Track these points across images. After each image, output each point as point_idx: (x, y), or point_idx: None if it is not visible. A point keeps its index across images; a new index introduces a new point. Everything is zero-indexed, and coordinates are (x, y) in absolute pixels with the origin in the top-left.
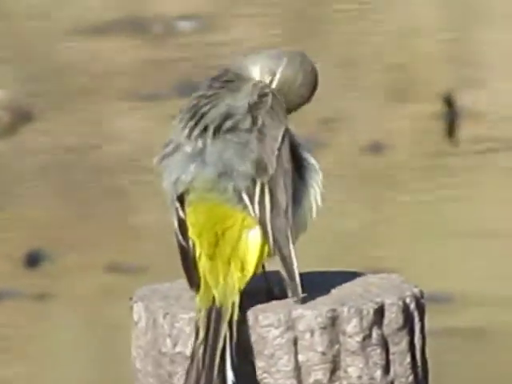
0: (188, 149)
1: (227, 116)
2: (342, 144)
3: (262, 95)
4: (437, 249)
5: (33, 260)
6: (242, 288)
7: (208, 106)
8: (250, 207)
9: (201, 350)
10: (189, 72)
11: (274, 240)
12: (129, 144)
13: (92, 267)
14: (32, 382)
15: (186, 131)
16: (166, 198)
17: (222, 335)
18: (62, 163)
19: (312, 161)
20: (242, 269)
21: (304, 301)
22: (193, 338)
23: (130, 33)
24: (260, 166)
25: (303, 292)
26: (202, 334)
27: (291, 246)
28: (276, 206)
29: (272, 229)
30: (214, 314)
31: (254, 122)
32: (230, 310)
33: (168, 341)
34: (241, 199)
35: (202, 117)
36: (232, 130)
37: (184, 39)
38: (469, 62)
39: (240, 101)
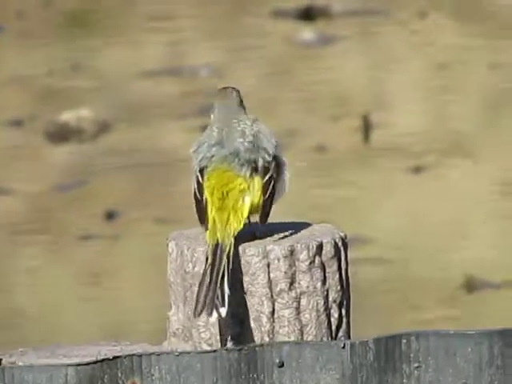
0: (212, 141)
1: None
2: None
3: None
4: (358, 208)
5: (110, 215)
6: (235, 234)
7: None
8: (247, 176)
9: (209, 271)
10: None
11: (264, 201)
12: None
13: (145, 220)
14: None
15: (214, 134)
16: (192, 172)
17: (223, 263)
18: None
19: (285, 159)
20: (238, 221)
21: (272, 239)
22: (204, 262)
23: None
24: (259, 156)
25: (271, 233)
26: (209, 260)
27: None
28: (268, 175)
29: (264, 193)
30: (218, 249)
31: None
32: (228, 247)
33: (190, 264)
34: (242, 169)
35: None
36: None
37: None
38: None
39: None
